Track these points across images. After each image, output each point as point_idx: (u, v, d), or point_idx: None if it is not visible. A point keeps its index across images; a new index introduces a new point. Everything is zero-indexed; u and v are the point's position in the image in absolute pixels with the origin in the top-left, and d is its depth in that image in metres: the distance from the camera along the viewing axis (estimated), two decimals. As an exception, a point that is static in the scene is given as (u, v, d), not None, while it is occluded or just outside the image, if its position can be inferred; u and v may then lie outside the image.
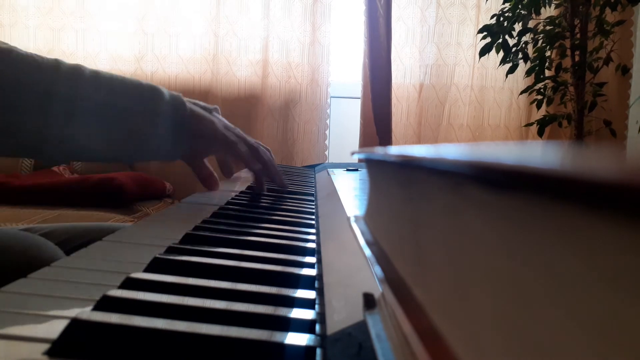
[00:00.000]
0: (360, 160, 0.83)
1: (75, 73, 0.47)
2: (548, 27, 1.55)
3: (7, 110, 0.43)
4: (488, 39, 1.55)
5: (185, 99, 0.55)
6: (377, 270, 0.24)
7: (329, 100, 1.95)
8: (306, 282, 0.27)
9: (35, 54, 0.48)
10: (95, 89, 0.47)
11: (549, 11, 1.66)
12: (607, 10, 1.46)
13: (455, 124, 1.97)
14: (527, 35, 1.55)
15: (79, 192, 1.45)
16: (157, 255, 0.28)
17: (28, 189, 1.45)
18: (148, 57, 1.88)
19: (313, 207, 0.54)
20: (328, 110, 1.96)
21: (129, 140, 0.50)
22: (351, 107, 2.01)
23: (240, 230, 0.38)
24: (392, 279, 0.22)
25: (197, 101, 0.59)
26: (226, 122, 0.59)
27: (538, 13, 1.50)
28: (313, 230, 0.41)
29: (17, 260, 0.48)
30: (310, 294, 0.25)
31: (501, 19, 1.53)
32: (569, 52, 1.55)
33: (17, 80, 0.44)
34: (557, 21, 1.54)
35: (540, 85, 1.60)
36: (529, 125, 1.74)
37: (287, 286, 0.26)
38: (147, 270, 0.27)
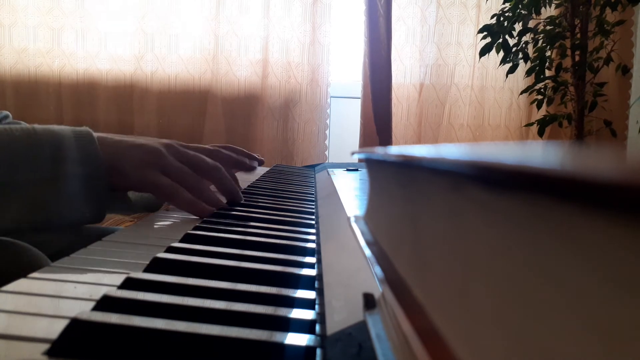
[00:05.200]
0: (360, 160, 0.83)
1: None
2: (548, 27, 1.55)
3: None
4: (488, 39, 1.55)
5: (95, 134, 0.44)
6: (377, 270, 0.24)
7: (329, 100, 1.95)
8: (306, 282, 0.27)
9: None
10: None
11: (549, 11, 1.66)
12: (608, 10, 1.46)
13: (456, 124, 1.97)
14: (528, 35, 1.55)
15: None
16: (157, 255, 0.28)
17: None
18: (148, 57, 1.88)
19: (313, 207, 0.54)
20: (328, 110, 1.96)
21: (26, 213, 0.40)
22: (351, 107, 2.01)
23: (240, 230, 0.38)
24: (392, 279, 0.22)
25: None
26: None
27: (538, 13, 1.50)
28: (313, 231, 0.41)
29: None
30: (310, 294, 0.25)
31: (501, 18, 1.53)
32: (569, 52, 1.55)
33: None
34: (557, 21, 1.54)
35: (540, 85, 1.60)
36: (529, 125, 1.74)
37: (287, 286, 0.26)
38: (147, 270, 0.27)
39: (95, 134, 0.44)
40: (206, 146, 0.57)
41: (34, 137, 0.40)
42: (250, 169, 0.63)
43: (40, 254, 0.49)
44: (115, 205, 0.49)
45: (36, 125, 0.42)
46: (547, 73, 1.59)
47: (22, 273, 0.26)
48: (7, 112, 0.63)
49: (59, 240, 0.52)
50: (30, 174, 0.39)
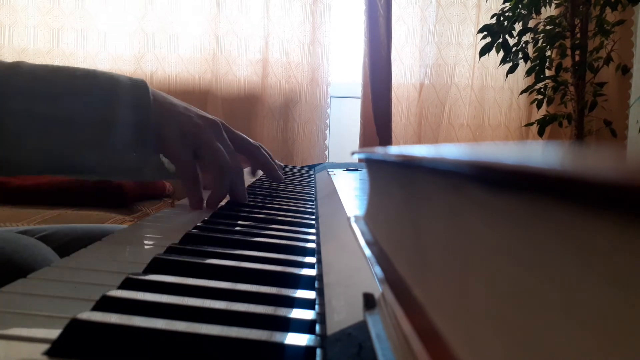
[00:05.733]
0: (360, 160, 0.83)
1: (8, 74, 0.39)
2: (548, 27, 1.55)
3: None
4: (488, 39, 1.55)
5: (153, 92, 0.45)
6: (377, 270, 0.24)
7: (329, 100, 1.95)
8: (306, 282, 0.27)
9: None
10: (31, 96, 0.39)
11: (549, 11, 1.66)
12: (608, 10, 1.46)
13: (456, 124, 1.97)
14: (527, 35, 1.55)
15: (79, 192, 1.45)
16: (157, 255, 0.28)
17: (28, 189, 1.45)
18: (148, 57, 1.88)
19: (313, 207, 0.54)
20: (328, 110, 1.96)
21: (76, 152, 0.41)
22: (351, 107, 2.01)
23: (240, 230, 0.38)
24: (392, 279, 0.22)
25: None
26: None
27: (538, 13, 1.50)
28: (313, 231, 0.41)
29: (7, 262, 0.46)
30: (310, 294, 0.25)
31: (501, 18, 1.53)
32: (569, 51, 1.55)
33: None
34: (557, 21, 1.54)
35: (540, 85, 1.60)
36: (529, 125, 1.74)
37: (287, 286, 0.26)
38: (147, 270, 0.27)
39: (151, 89, 0.45)
40: (250, 140, 0.58)
41: (93, 79, 0.42)
42: (275, 178, 0.62)
43: (49, 250, 0.50)
44: (151, 164, 0.48)
45: (97, 70, 0.44)
46: (547, 73, 1.59)
47: (36, 267, 0.27)
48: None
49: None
50: (86, 113, 0.41)
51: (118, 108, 0.42)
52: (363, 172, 0.80)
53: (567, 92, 1.58)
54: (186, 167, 0.46)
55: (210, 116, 0.50)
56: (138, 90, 0.43)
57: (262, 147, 0.59)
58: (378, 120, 1.87)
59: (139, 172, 0.46)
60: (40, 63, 0.42)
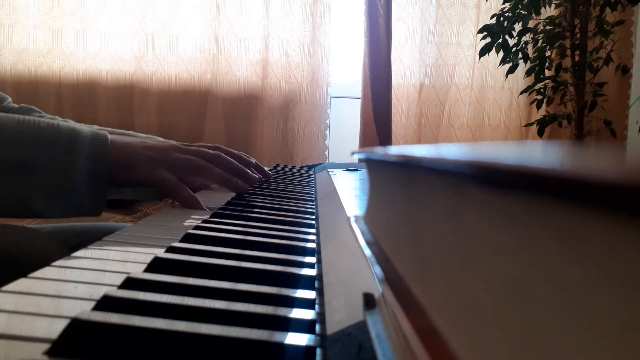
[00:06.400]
0: (360, 160, 0.83)
1: None
2: (548, 27, 1.55)
3: None
4: (488, 39, 1.55)
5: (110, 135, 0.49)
6: (377, 270, 0.24)
7: (329, 100, 1.95)
8: (306, 282, 0.27)
9: None
10: None
11: (549, 11, 1.65)
12: (607, 10, 1.46)
13: (455, 124, 1.97)
14: (527, 35, 1.55)
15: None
16: (158, 255, 0.28)
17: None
18: (148, 57, 1.88)
19: (313, 207, 0.54)
20: (328, 110, 1.96)
21: (32, 196, 0.44)
22: (351, 107, 2.01)
23: (241, 230, 0.38)
24: (392, 279, 0.22)
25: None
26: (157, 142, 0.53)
27: (538, 13, 1.50)
28: (313, 230, 0.41)
29: (6, 253, 0.48)
30: (310, 294, 0.25)
31: (501, 19, 1.53)
32: (569, 52, 1.54)
33: None
34: (557, 21, 1.54)
35: (540, 85, 1.60)
36: (529, 125, 1.74)
37: (287, 286, 0.26)
38: (148, 270, 0.27)
39: (110, 136, 0.49)
40: (207, 145, 0.58)
41: (56, 130, 0.46)
42: (249, 181, 0.58)
43: (61, 246, 0.51)
44: (126, 194, 0.54)
45: (61, 122, 0.48)
46: (547, 73, 1.59)
47: (47, 262, 0.27)
48: (6, 95, 0.71)
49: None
50: (45, 160, 0.44)
51: (77, 159, 0.46)
52: (363, 172, 0.80)
53: (566, 92, 1.58)
54: (169, 182, 0.50)
55: (167, 141, 0.55)
56: (98, 142, 0.48)
57: (220, 154, 0.56)
58: (378, 120, 1.87)
59: (100, 210, 0.49)
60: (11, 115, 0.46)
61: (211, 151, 0.55)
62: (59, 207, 0.46)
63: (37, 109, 0.74)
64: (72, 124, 0.49)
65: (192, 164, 0.52)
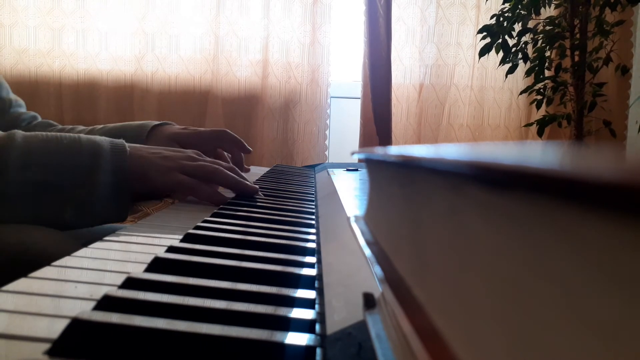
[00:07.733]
0: (360, 160, 0.83)
1: (4, 146, 0.45)
2: (548, 27, 1.55)
3: None
4: (488, 39, 1.55)
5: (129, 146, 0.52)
6: (377, 270, 0.24)
7: (329, 100, 1.95)
8: (306, 282, 0.27)
9: None
10: (24, 166, 0.45)
11: (548, 11, 1.66)
12: (607, 10, 1.46)
13: (455, 124, 1.97)
14: (527, 35, 1.55)
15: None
16: (158, 255, 0.28)
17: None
18: (148, 57, 1.88)
19: (313, 207, 0.54)
20: (328, 110, 1.96)
21: (63, 211, 0.47)
22: (351, 107, 2.01)
23: (241, 230, 0.38)
24: (392, 279, 0.22)
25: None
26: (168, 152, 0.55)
27: (538, 13, 1.50)
28: (313, 230, 0.41)
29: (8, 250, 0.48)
30: (310, 294, 0.25)
31: (501, 19, 1.53)
32: (568, 52, 1.54)
33: None
34: (557, 21, 1.54)
35: (540, 85, 1.60)
36: (528, 125, 1.74)
37: (287, 286, 0.26)
38: (148, 270, 0.27)
39: (128, 148, 0.52)
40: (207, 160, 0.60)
41: (78, 147, 0.49)
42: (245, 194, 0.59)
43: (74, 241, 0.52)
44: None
45: (82, 136, 0.51)
46: (547, 73, 1.59)
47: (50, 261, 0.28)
48: (35, 113, 0.75)
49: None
50: (71, 179, 0.47)
51: (101, 175, 0.49)
52: (363, 172, 0.80)
53: (566, 92, 1.58)
54: (188, 184, 0.53)
55: (183, 150, 0.58)
56: (117, 154, 0.51)
57: (229, 168, 0.58)
58: (378, 121, 1.87)
59: (125, 216, 0.52)
60: (35, 133, 0.49)
61: (210, 167, 0.57)
62: (89, 219, 0.49)
63: (54, 122, 0.78)
64: (92, 136, 0.52)
65: (205, 169, 0.55)
